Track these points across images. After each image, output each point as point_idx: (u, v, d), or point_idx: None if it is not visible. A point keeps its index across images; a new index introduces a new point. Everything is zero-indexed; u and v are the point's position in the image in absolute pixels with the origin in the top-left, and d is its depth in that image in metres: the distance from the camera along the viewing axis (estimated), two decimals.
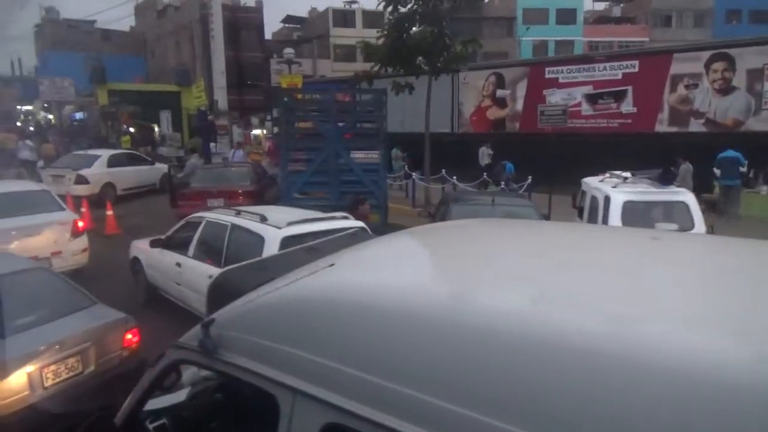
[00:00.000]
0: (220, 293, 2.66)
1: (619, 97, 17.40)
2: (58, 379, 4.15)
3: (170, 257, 6.74)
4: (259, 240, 5.51)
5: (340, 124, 10.77)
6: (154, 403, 2.51)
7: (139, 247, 7.63)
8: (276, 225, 5.64)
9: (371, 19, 41.58)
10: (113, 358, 4.57)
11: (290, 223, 5.65)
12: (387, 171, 12.20)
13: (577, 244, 2.15)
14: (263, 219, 5.83)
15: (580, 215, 8.45)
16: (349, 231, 4.10)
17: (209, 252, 6.24)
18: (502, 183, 14.64)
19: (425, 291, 1.70)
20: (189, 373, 2.84)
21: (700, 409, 1.03)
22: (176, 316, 6.34)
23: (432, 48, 13.35)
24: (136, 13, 47.50)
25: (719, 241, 2.35)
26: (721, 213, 12.24)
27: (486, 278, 1.75)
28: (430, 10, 13.28)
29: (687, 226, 6.81)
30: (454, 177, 14.42)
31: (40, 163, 18.16)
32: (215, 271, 4.95)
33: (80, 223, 8.55)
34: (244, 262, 3.18)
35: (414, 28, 13.68)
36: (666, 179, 7.45)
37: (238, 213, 6.30)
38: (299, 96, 12.79)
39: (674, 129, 16.41)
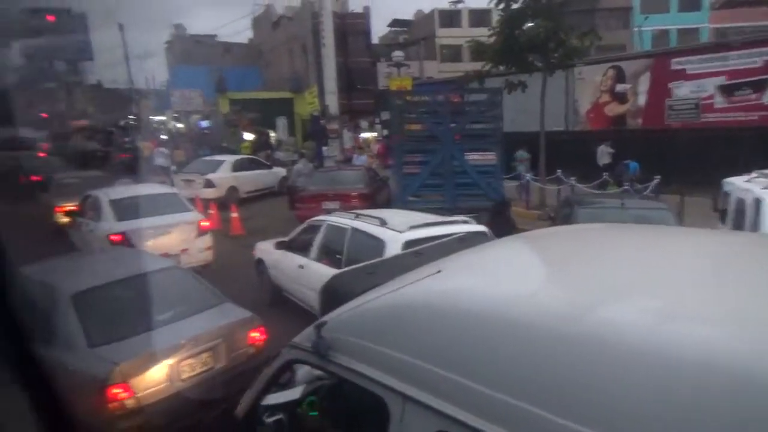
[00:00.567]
0: (332, 295, 2.72)
1: (759, 87, 15.60)
2: (192, 373, 4.34)
3: (293, 259, 6.96)
4: (380, 244, 5.51)
5: (453, 125, 10.60)
6: (270, 399, 2.57)
7: (263, 249, 7.97)
8: (397, 229, 5.63)
9: (477, 17, 41.04)
10: (240, 355, 4.74)
11: (412, 227, 5.61)
12: (504, 173, 11.80)
13: (719, 255, 1.93)
14: (383, 222, 5.84)
15: (723, 220, 7.65)
16: (457, 235, 3.97)
17: (330, 255, 6.37)
18: (626, 184, 13.64)
19: (534, 299, 1.64)
20: (303, 371, 2.86)
21: None
22: (299, 316, 6.51)
23: (546, 43, 12.83)
24: (253, 25, 50.47)
25: None
26: None
27: (606, 288, 1.65)
28: (543, 5, 12.80)
29: None
30: (573, 178, 13.68)
31: (173, 168, 19.75)
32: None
33: (204, 223, 9.20)
34: (355, 266, 3.22)
35: (527, 24, 13.19)
36: None
37: (357, 216, 6.36)
38: (409, 98, 12.80)
39: None
